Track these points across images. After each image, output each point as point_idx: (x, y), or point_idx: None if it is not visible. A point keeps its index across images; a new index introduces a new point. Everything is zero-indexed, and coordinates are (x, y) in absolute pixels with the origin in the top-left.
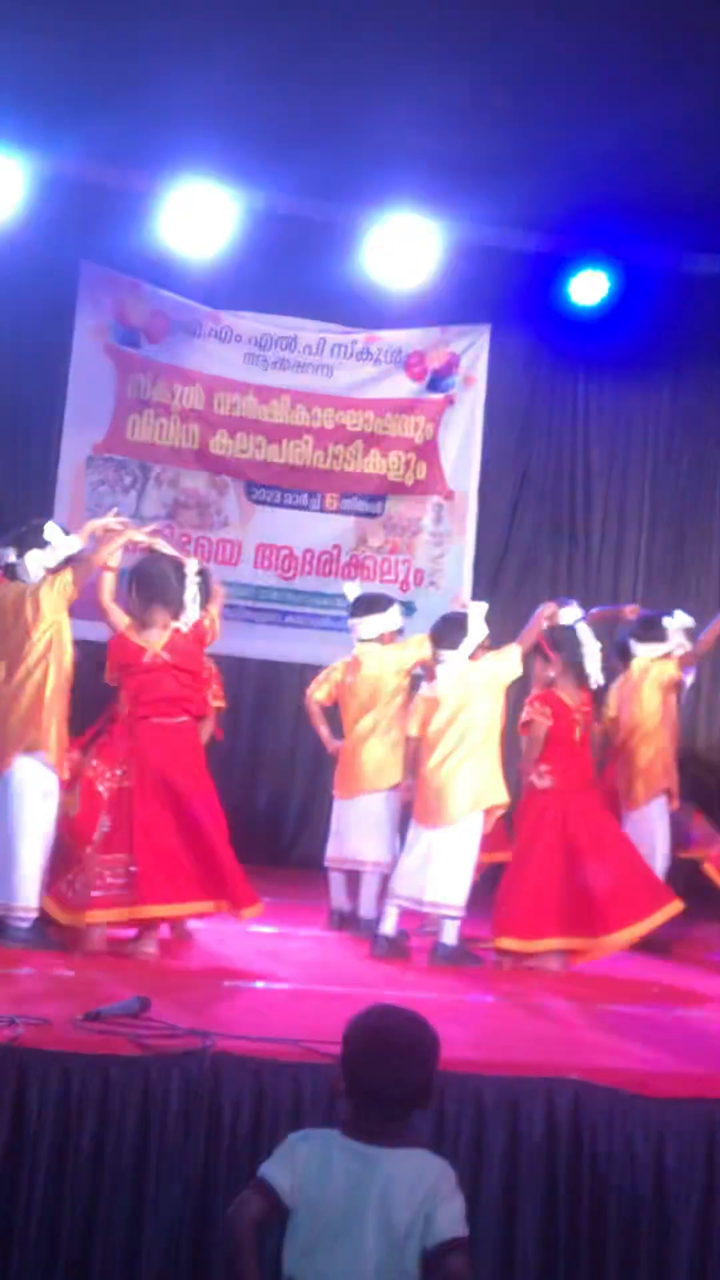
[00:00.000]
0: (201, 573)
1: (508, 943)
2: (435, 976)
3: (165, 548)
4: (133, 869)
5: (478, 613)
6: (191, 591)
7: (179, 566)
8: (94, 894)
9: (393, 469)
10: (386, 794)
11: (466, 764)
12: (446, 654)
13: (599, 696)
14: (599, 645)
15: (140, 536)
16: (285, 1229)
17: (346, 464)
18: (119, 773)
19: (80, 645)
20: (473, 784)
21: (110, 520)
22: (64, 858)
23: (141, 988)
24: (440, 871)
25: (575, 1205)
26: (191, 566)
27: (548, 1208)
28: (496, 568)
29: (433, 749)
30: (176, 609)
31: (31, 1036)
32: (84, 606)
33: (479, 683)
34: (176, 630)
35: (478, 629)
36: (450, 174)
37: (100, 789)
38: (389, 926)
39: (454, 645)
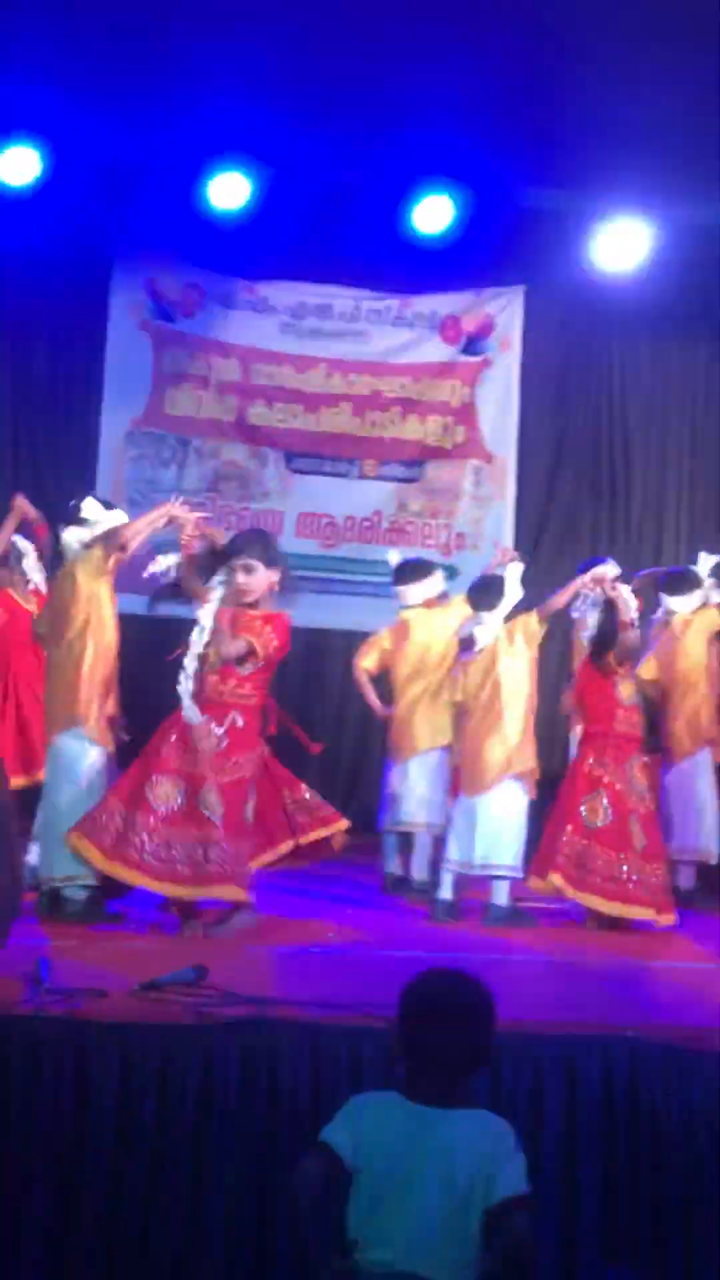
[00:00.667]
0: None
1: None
2: (490, 937)
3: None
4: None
5: (514, 574)
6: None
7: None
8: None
9: (431, 433)
10: (439, 756)
11: (498, 729)
12: (484, 615)
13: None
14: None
15: (178, 513)
16: (348, 1191)
17: (384, 430)
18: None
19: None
20: (505, 748)
21: (168, 513)
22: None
23: (197, 956)
24: (486, 834)
25: (634, 1162)
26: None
27: (607, 1165)
28: (537, 529)
29: (470, 714)
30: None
31: (90, 1008)
32: (135, 581)
33: (511, 646)
34: None
35: (514, 590)
36: (479, 132)
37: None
38: (446, 891)
39: (491, 607)
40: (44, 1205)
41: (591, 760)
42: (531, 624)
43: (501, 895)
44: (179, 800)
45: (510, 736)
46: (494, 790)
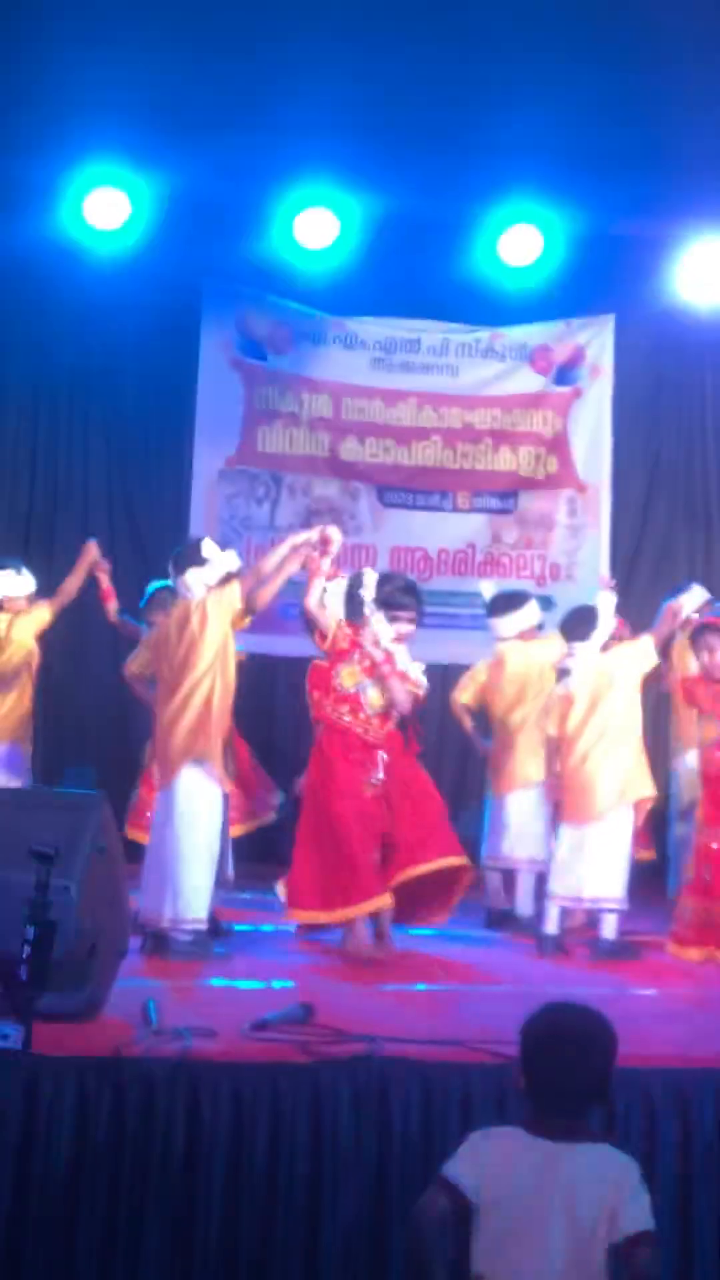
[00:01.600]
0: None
1: None
2: (597, 971)
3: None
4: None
5: (607, 604)
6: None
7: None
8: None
9: (523, 464)
10: (539, 790)
11: (609, 758)
12: (578, 647)
13: None
14: None
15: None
16: (470, 1228)
17: (476, 462)
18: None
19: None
20: (617, 777)
21: (290, 544)
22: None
23: (303, 994)
24: (594, 866)
25: None
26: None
27: None
28: (632, 558)
29: (573, 745)
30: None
31: (200, 1048)
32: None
33: (615, 675)
34: None
35: (607, 620)
36: (566, 164)
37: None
38: (552, 925)
39: (584, 637)
40: (159, 1244)
41: None
42: (647, 649)
43: (610, 929)
44: None
45: (623, 765)
46: (605, 820)
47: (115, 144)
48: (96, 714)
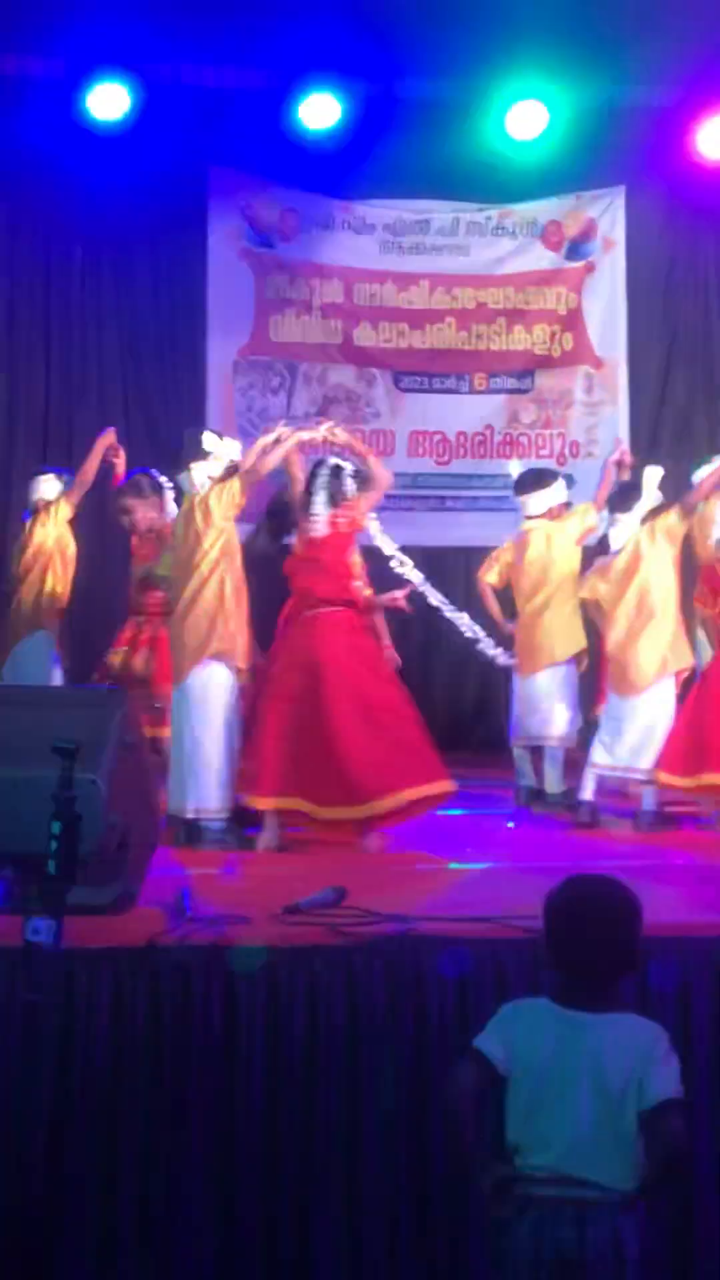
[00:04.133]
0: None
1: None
2: (630, 842)
3: (341, 436)
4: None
5: (652, 477)
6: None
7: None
8: None
9: (539, 343)
10: (566, 667)
11: (649, 629)
12: (621, 517)
13: None
14: None
15: (311, 435)
16: (503, 1098)
17: (491, 342)
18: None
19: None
20: (658, 649)
21: (279, 431)
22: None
23: (337, 878)
24: (635, 738)
25: None
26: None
27: None
28: (652, 432)
29: (615, 619)
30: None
31: (234, 934)
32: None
33: (651, 547)
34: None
35: (651, 493)
36: (572, 34)
37: None
38: (588, 793)
39: (628, 509)
40: (202, 1131)
41: None
42: (672, 520)
43: (651, 799)
44: None
45: (664, 636)
46: (648, 692)
47: (112, 36)
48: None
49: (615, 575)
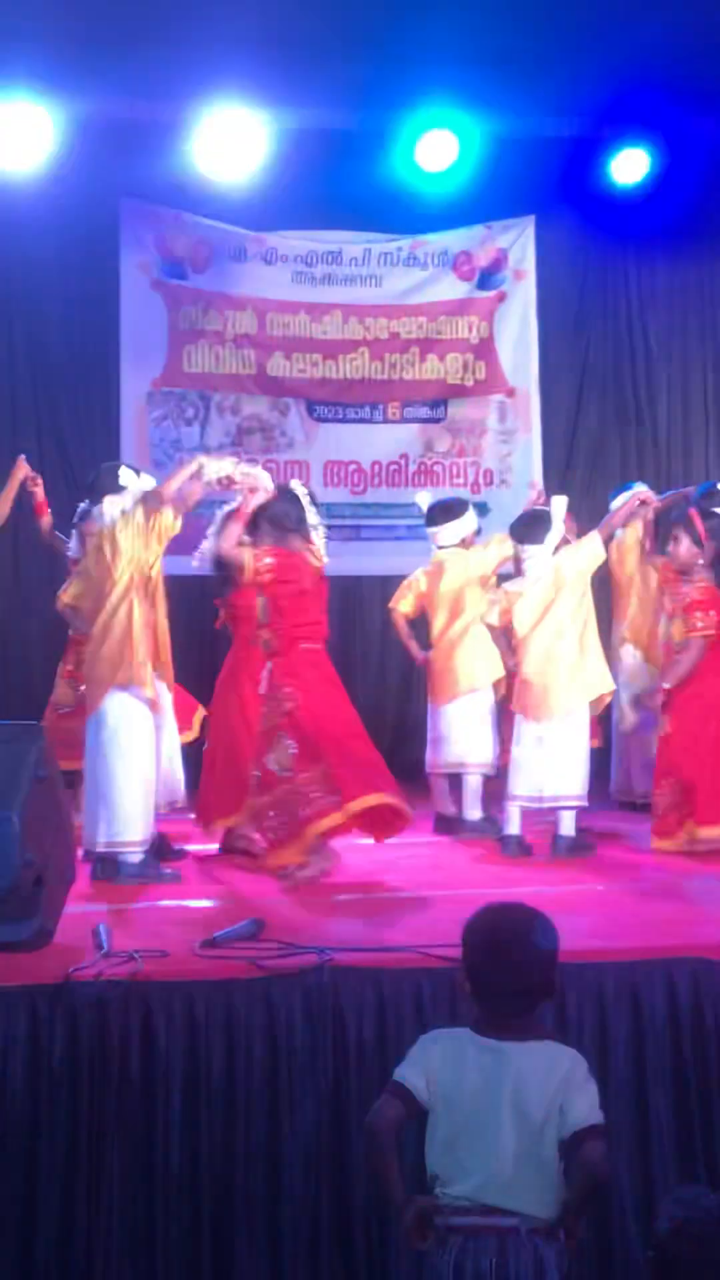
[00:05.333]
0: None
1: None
2: (545, 870)
3: (259, 478)
4: (329, 773)
5: (559, 507)
6: (313, 515)
7: (290, 494)
8: (303, 813)
9: (451, 372)
10: (482, 695)
11: (568, 656)
12: (531, 549)
13: None
14: None
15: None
16: (425, 1129)
17: (404, 372)
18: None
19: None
20: (580, 675)
21: (198, 461)
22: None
23: (254, 909)
24: (557, 765)
25: (705, 1084)
26: (299, 490)
27: (678, 1089)
28: (566, 460)
29: (530, 646)
30: (306, 535)
31: (153, 968)
32: (178, 544)
33: (568, 576)
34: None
35: (559, 523)
36: (482, 65)
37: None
38: (513, 826)
39: (538, 540)
40: (121, 1164)
41: None
42: (595, 546)
43: (569, 825)
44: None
45: (582, 665)
46: (564, 719)
47: (27, 68)
48: (38, 646)
49: (531, 604)
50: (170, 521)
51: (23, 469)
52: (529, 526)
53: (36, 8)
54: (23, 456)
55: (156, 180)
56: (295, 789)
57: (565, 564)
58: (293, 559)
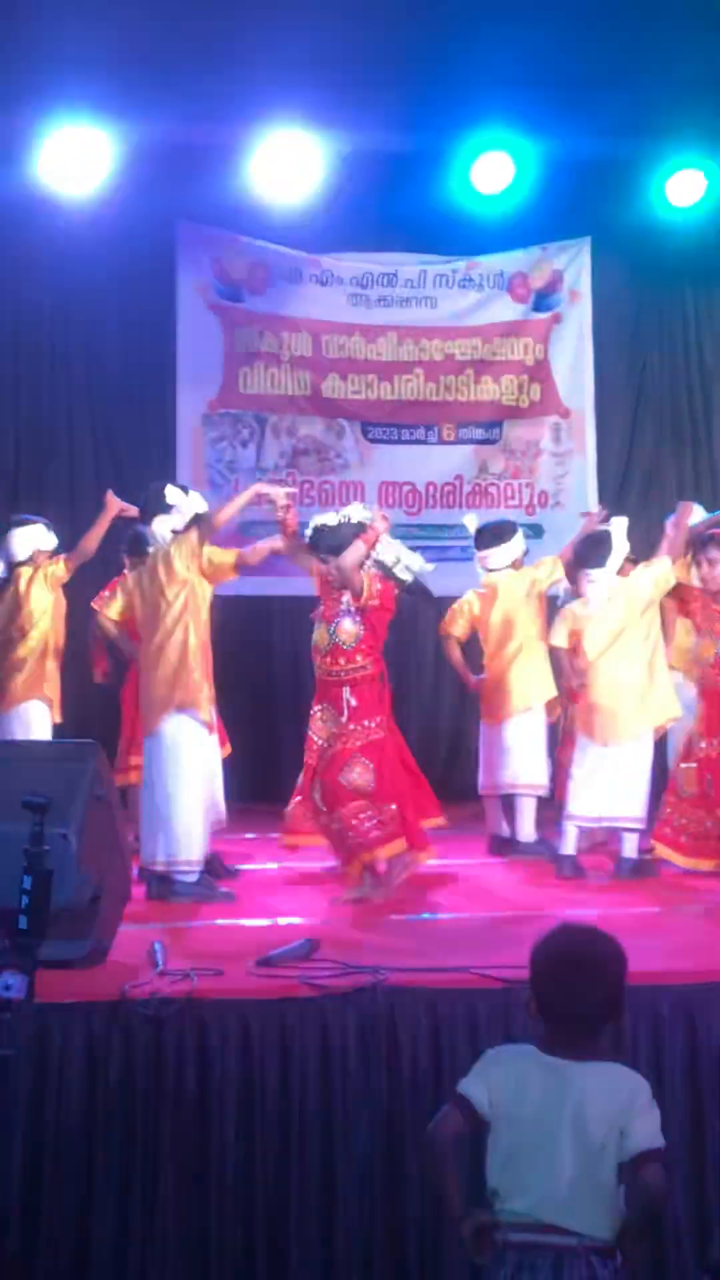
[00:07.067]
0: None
1: None
2: (600, 892)
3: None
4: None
5: (620, 528)
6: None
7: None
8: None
9: (506, 393)
10: (535, 715)
11: (637, 682)
12: (594, 573)
13: None
14: None
15: (265, 490)
16: (484, 1143)
17: (459, 393)
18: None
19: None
20: (646, 701)
21: (254, 491)
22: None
23: (310, 930)
24: (619, 787)
25: None
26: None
27: None
28: (620, 482)
29: (599, 670)
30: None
31: (207, 987)
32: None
33: (636, 599)
34: None
35: (621, 544)
36: (538, 87)
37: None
38: (569, 846)
39: (600, 563)
40: (176, 1180)
41: None
42: (664, 569)
43: (631, 848)
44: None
45: (651, 690)
46: (631, 742)
47: (84, 92)
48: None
49: (601, 627)
50: (228, 566)
51: (114, 504)
52: (591, 549)
53: (95, 33)
54: (110, 492)
55: (213, 203)
56: (356, 812)
57: (635, 588)
58: (387, 585)
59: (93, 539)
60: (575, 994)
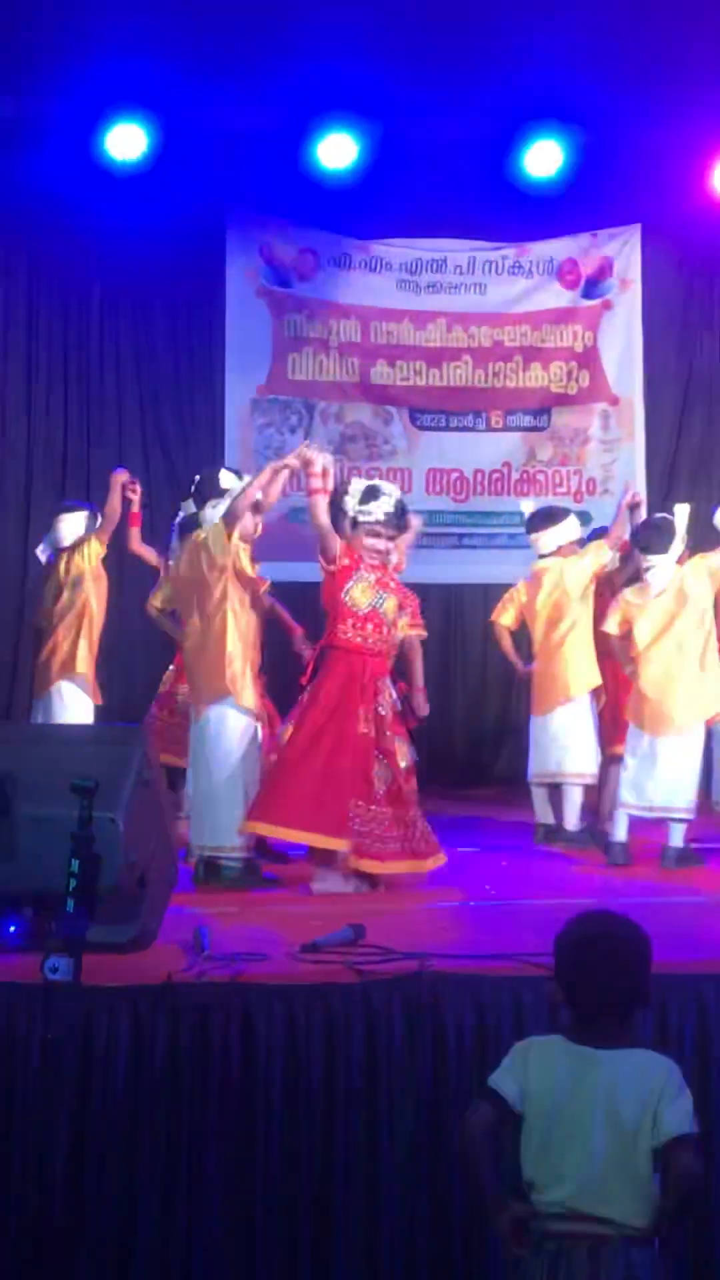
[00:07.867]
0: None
1: None
2: (646, 881)
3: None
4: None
5: (682, 515)
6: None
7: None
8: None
9: (555, 380)
10: (583, 703)
11: (689, 671)
12: (655, 559)
13: None
14: None
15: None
16: (519, 1135)
17: (508, 380)
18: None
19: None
20: (699, 692)
21: (273, 465)
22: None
23: (355, 916)
24: (669, 777)
25: None
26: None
27: None
28: (669, 470)
29: (650, 659)
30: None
31: (253, 971)
32: (282, 549)
33: (693, 588)
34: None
35: (683, 532)
36: (585, 71)
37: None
38: (620, 834)
39: (663, 550)
40: (220, 1168)
41: None
42: (716, 562)
43: (678, 837)
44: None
45: (701, 682)
46: (680, 733)
47: (131, 76)
48: (140, 651)
49: (654, 617)
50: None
51: (122, 476)
52: (654, 536)
53: (148, 19)
54: (123, 469)
55: (263, 189)
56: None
57: (690, 578)
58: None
59: (113, 506)
60: (597, 979)
